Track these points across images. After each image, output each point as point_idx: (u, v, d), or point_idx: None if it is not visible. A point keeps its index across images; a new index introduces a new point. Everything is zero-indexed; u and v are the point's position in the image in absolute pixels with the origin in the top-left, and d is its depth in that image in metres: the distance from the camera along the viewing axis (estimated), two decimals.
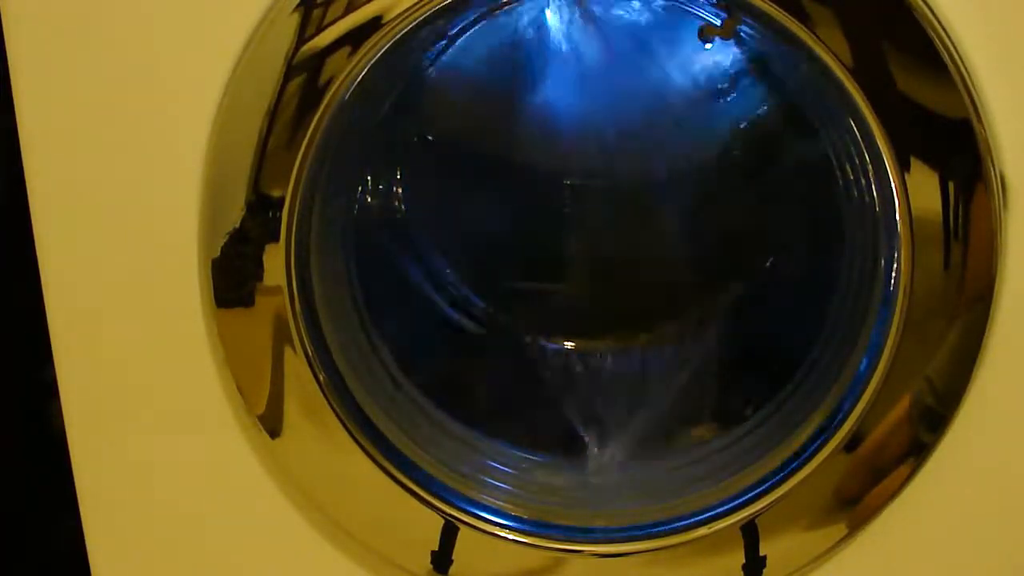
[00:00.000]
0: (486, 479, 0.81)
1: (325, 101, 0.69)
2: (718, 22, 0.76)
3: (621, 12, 0.81)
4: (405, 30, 0.69)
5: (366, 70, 0.70)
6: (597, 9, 0.81)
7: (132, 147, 0.71)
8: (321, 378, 0.75)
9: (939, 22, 0.66)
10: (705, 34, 0.78)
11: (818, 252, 0.84)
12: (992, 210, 0.68)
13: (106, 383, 0.77)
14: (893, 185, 0.69)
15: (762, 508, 0.76)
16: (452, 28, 0.78)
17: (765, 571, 0.77)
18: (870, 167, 0.71)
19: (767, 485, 0.76)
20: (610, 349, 0.91)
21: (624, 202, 0.87)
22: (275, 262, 0.72)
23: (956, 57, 0.66)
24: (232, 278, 0.73)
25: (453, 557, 0.78)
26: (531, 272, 0.91)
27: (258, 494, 0.78)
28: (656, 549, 0.77)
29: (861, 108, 0.68)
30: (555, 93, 0.84)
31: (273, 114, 0.69)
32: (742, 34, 0.76)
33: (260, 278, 0.73)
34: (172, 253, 0.73)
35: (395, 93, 0.81)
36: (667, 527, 0.77)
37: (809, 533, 0.76)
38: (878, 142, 0.68)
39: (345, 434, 0.76)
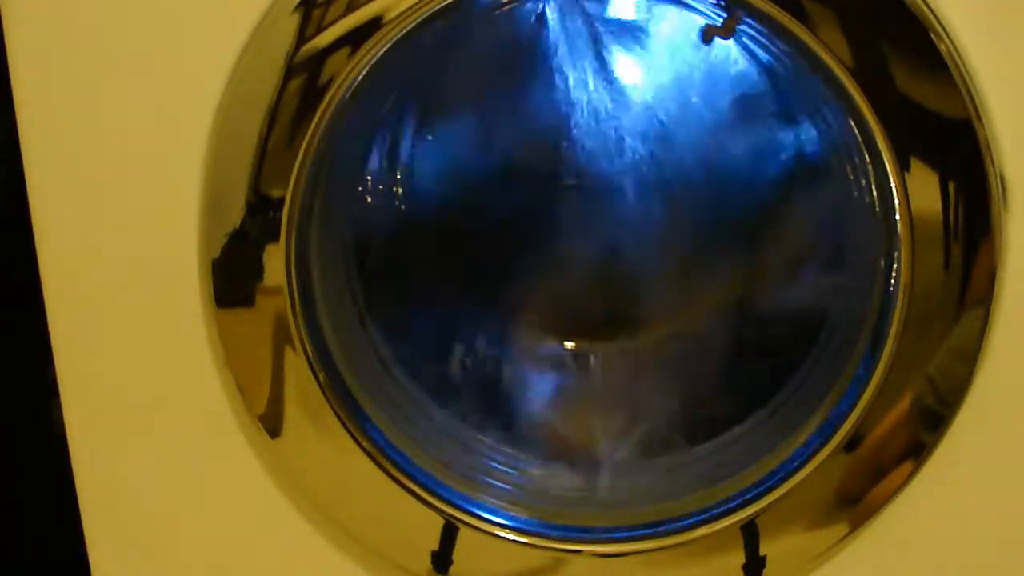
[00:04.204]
0: (486, 479, 0.81)
1: (325, 101, 0.69)
2: (718, 22, 0.75)
3: (621, 12, 0.81)
4: (405, 30, 0.69)
5: (366, 70, 0.70)
6: (597, 9, 0.81)
7: (132, 147, 0.71)
8: (321, 378, 0.75)
9: (939, 22, 0.66)
10: (705, 34, 0.78)
11: (818, 252, 0.84)
12: (992, 210, 0.68)
13: (106, 383, 0.77)
14: (893, 185, 0.69)
15: (762, 508, 0.76)
16: (452, 28, 0.78)
17: (765, 571, 0.77)
18: (870, 167, 0.71)
19: (767, 485, 0.76)
20: (610, 350, 0.91)
21: (624, 203, 0.87)
22: (275, 262, 0.72)
23: (956, 57, 0.66)
24: (232, 278, 0.73)
25: (453, 557, 0.78)
26: (531, 272, 0.91)
27: (258, 494, 0.78)
28: (656, 549, 0.77)
29: (861, 108, 0.68)
30: (555, 93, 0.83)
31: (273, 114, 0.69)
32: (742, 34, 0.76)
33: (260, 278, 0.73)
34: (172, 253, 0.73)
35: (395, 93, 0.81)
36: (667, 527, 0.77)
37: (809, 533, 0.76)
38: (878, 142, 0.68)
39: (345, 434, 0.76)
